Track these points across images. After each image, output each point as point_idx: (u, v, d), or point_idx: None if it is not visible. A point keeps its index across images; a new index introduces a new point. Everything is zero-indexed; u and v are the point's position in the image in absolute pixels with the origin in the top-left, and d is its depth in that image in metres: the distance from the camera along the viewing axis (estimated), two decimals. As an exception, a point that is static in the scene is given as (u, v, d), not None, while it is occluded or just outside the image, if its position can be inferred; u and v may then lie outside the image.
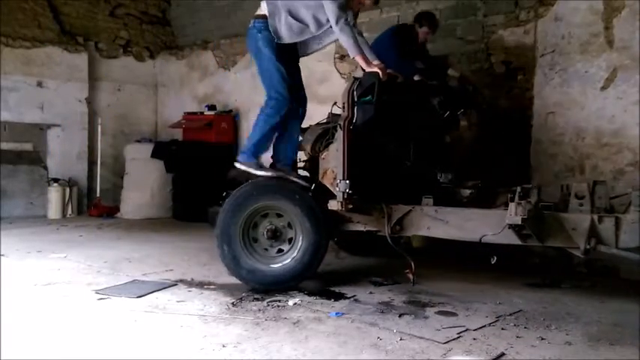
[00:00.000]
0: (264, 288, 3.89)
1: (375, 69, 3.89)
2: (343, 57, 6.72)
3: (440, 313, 3.44)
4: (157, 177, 7.96)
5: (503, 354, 2.75)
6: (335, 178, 3.83)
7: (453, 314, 3.41)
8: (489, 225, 3.55)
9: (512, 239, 3.49)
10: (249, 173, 4.09)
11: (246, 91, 8.04)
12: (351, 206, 3.80)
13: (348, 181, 3.74)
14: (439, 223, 3.76)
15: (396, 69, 4.36)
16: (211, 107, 8.10)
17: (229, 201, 4.03)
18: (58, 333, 2.99)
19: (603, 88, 4.76)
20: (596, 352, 2.83)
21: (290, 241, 3.99)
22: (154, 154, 7.96)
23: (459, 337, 2.98)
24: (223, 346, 2.79)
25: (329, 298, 3.72)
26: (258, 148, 4.15)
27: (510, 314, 3.43)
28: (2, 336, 2.86)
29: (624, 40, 4.64)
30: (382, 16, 6.26)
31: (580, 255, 3.39)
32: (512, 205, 3.31)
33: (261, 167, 4.12)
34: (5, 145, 7.76)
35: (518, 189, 3.39)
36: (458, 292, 3.94)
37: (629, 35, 4.61)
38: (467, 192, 4.02)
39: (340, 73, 6.78)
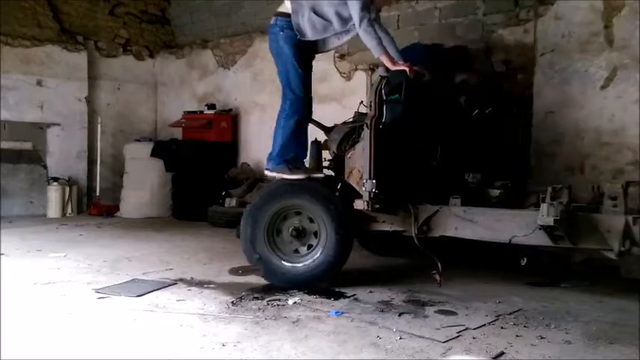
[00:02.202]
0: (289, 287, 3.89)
1: (402, 67, 3.85)
2: (343, 56, 6.72)
3: (439, 312, 3.44)
4: (157, 176, 7.96)
5: (502, 353, 2.75)
6: (361, 178, 3.78)
7: (453, 313, 3.41)
8: (519, 226, 3.49)
9: (543, 240, 3.43)
10: (282, 178, 4.04)
11: (246, 90, 8.05)
12: (377, 206, 3.75)
13: (374, 181, 3.68)
14: (467, 223, 3.70)
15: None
16: (211, 106, 8.11)
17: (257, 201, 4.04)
18: (57, 332, 2.99)
19: (603, 87, 4.76)
20: (596, 351, 2.84)
21: (314, 239, 3.96)
22: (154, 153, 7.96)
23: (458, 336, 2.98)
24: (223, 345, 2.79)
25: (329, 297, 3.72)
26: (285, 150, 4.08)
27: (510, 313, 3.43)
28: (2, 336, 2.86)
29: (624, 39, 4.64)
30: (382, 15, 6.22)
31: (614, 257, 3.32)
32: (544, 206, 3.26)
33: (293, 170, 4.05)
34: (5, 144, 7.76)
35: (550, 189, 3.33)
36: (457, 291, 3.94)
37: (629, 34, 4.61)
38: (496, 192, 3.93)
39: (340, 73, 6.78)
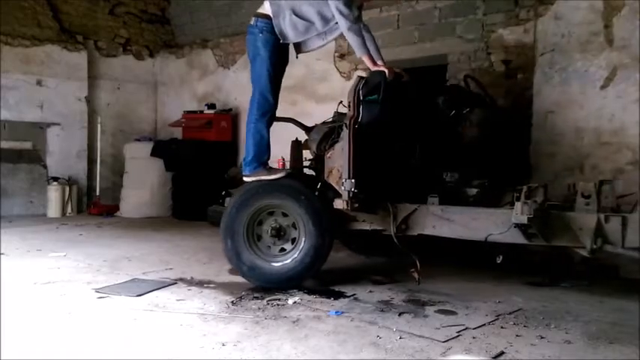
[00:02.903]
0: (267, 286, 3.91)
1: (382, 68, 3.87)
2: (343, 55, 6.72)
3: (439, 311, 3.44)
4: (157, 176, 7.97)
5: (502, 352, 2.75)
6: (340, 177, 3.81)
7: (453, 313, 3.42)
8: (495, 224, 3.55)
9: (518, 238, 3.49)
10: (260, 181, 4.04)
11: (245, 89, 8.01)
12: (356, 205, 3.78)
13: (353, 180, 3.71)
14: (445, 222, 3.76)
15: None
16: (211, 106, 8.11)
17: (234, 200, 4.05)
18: (57, 332, 2.99)
19: (603, 87, 4.76)
20: (596, 350, 2.84)
21: (293, 240, 3.98)
22: (154, 153, 7.96)
23: (458, 336, 2.98)
24: (223, 345, 2.79)
25: (329, 297, 3.72)
26: (259, 154, 4.11)
27: (510, 313, 3.43)
28: (2, 336, 2.86)
29: (624, 39, 4.64)
30: (382, 15, 6.25)
31: (586, 254, 3.39)
32: (518, 204, 3.31)
33: (270, 170, 4.08)
34: (5, 144, 7.77)
35: (525, 188, 3.39)
36: (457, 290, 3.94)
37: (629, 34, 4.61)
38: (473, 191, 3.99)
39: (340, 72, 6.78)
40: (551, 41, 5.03)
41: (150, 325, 3.13)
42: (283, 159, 4.77)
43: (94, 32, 8.73)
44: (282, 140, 4.55)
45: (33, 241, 5.74)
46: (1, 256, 4.91)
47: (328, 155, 4.02)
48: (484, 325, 3.19)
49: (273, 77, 4.03)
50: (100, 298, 3.66)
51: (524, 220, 3.29)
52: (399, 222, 3.88)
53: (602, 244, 3.31)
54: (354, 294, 3.81)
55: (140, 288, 3.88)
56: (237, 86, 8.19)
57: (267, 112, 4.07)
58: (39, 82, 8.07)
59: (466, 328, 3.10)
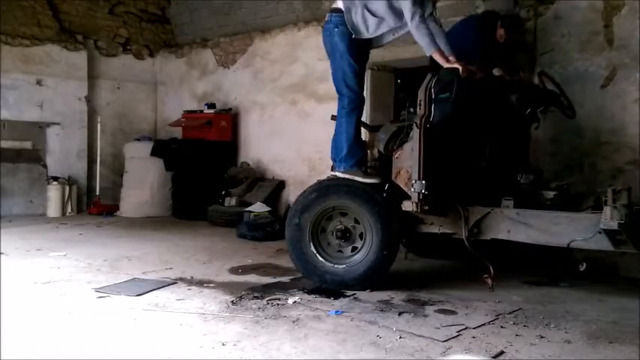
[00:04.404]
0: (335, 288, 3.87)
1: (455, 65, 3.75)
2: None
3: (439, 311, 3.44)
4: (157, 175, 7.96)
5: (502, 352, 2.76)
6: (409, 179, 3.69)
7: (453, 312, 3.42)
8: (578, 229, 3.39)
9: (604, 245, 3.32)
10: (347, 180, 3.98)
11: (245, 89, 8.05)
12: (426, 207, 3.67)
13: (424, 182, 3.60)
14: (521, 226, 3.61)
15: (477, 61, 4.16)
16: (211, 105, 8.10)
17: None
18: (57, 331, 2.99)
19: (603, 86, 4.76)
20: (596, 350, 2.84)
21: (360, 240, 3.91)
22: (154, 153, 7.96)
23: (458, 336, 2.98)
24: (223, 345, 2.79)
25: (328, 297, 3.72)
26: (354, 151, 4.03)
27: (510, 312, 3.43)
28: (2, 336, 2.86)
29: (624, 39, 4.64)
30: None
31: None
32: (607, 209, 3.16)
33: (366, 174, 3.99)
34: (5, 144, 7.75)
35: (610, 191, 3.23)
36: (457, 290, 3.94)
37: (628, 34, 4.61)
38: (550, 194, 3.80)
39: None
40: (551, 41, 5.03)
41: (150, 324, 3.13)
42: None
43: (93, 32, 8.71)
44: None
45: (33, 240, 5.73)
46: (1, 255, 4.91)
47: (396, 155, 3.88)
48: (484, 324, 3.19)
49: (358, 70, 4.00)
50: (100, 297, 3.66)
51: (614, 225, 3.12)
52: (471, 225, 3.73)
53: None
54: (354, 293, 3.81)
55: (140, 287, 3.88)
56: (237, 86, 8.19)
57: (358, 107, 4.03)
58: (39, 82, 8.06)
59: (466, 328, 3.10)
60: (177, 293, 3.79)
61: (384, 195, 3.85)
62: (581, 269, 3.49)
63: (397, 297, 3.75)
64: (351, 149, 4.02)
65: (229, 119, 8.10)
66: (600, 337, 3.00)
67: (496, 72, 4.54)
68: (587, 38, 4.83)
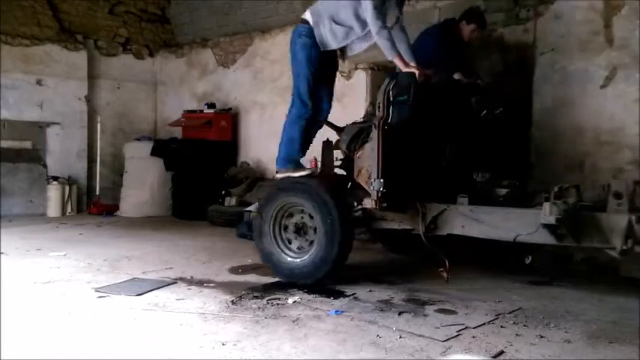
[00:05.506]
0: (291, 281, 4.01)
1: (412, 69, 3.92)
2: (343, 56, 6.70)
3: (439, 311, 3.44)
4: (157, 175, 7.97)
5: (502, 352, 2.75)
6: (369, 177, 3.83)
7: (453, 312, 3.41)
8: (524, 224, 3.53)
9: (547, 239, 3.47)
10: (289, 177, 4.16)
11: (245, 89, 8.05)
12: (385, 205, 3.81)
13: (382, 180, 3.74)
14: (474, 222, 3.75)
15: (437, 67, 4.36)
16: (211, 105, 8.11)
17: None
18: (57, 331, 2.99)
19: (603, 86, 4.77)
20: (595, 350, 2.84)
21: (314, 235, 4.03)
22: (154, 153, 7.96)
23: (458, 335, 2.98)
24: (223, 344, 2.79)
25: (328, 296, 3.72)
26: (289, 151, 4.20)
27: (510, 312, 3.43)
28: (2, 335, 2.86)
29: (624, 39, 4.64)
30: (382, 14, 6.24)
31: (616, 255, 3.35)
32: (546, 205, 3.31)
33: (298, 168, 4.15)
34: (5, 143, 7.76)
35: (555, 188, 3.39)
36: (457, 290, 3.94)
37: (628, 34, 4.61)
38: (503, 191, 3.97)
39: (340, 72, 6.74)
40: (551, 41, 5.03)
41: (150, 324, 3.13)
42: (316, 159, 4.83)
43: (93, 31, 8.72)
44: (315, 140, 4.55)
45: (33, 240, 5.73)
46: (1, 255, 4.91)
47: (358, 155, 4.06)
48: (484, 324, 3.18)
49: (311, 80, 4.12)
50: (100, 297, 3.66)
51: (552, 220, 3.28)
52: (428, 221, 3.88)
53: (632, 245, 3.26)
54: (354, 293, 3.81)
55: (140, 287, 3.88)
56: (237, 85, 8.19)
57: (304, 115, 4.17)
58: (39, 82, 8.06)
59: (466, 328, 3.10)
60: (177, 293, 3.78)
61: (331, 190, 3.98)
62: (527, 262, 3.69)
63: (397, 297, 3.75)
64: (288, 150, 4.19)
65: (229, 119, 8.10)
66: (600, 337, 3.00)
67: (456, 76, 4.77)
68: (587, 38, 4.83)
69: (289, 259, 4.10)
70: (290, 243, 4.15)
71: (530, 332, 3.06)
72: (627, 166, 4.60)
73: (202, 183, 7.57)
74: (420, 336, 2.95)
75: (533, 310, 3.49)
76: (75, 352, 2.71)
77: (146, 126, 9.39)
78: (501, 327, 3.15)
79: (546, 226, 3.36)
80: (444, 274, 3.76)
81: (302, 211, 4.09)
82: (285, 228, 4.16)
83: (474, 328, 3.11)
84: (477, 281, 4.22)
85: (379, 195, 3.77)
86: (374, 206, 3.84)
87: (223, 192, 7.43)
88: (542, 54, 5.10)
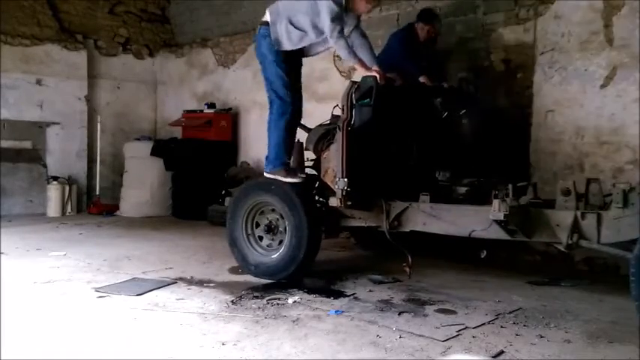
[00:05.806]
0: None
1: (374, 73, 4.02)
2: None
3: (439, 311, 3.44)
4: (157, 175, 7.96)
5: (502, 352, 2.76)
6: (335, 177, 3.97)
7: (453, 312, 3.42)
8: (479, 221, 3.69)
9: (500, 234, 3.64)
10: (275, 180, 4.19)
11: (245, 89, 8.04)
12: (349, 203, 3.98)
13: (346, 179, 3.90)
14: (434, 219, 3.92)
15: (402, 71, 4.53)
16: (211, 105, 8.10)
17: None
18: (57, 331, 2.99)
19: (603, 86, 4.76)
20: (595, 349, 2.84)
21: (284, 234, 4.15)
22: (154, 152, 7.96)
23: (458, 335, 2.98)
24: (223, 344, 2.79)
25: (328, 296, 3.72)
26: (278, 153, 4.21)
27: (510, 312, 3.43)
28: (2, 335, 2.86)
29: (624, 38, 4.63)
30: (382, 14, 6.25)
31: (563, 249, 3.54)
32: (495, 202, 3.48)
33: (289, 173, 4.15)
34: (4, 143, 7.75)
35: (510, 186, 3.56)
36: (457, 290, 3.94)
37: (628, 33, 4.61)
38: (463, 189, 4.14)
39: (340, 72, 6.77)
40: (551, 40, 5.03)
41: (150, 324, 3.13)
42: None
43: (93, 31, 8.71)
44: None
45: (33, 240, 5.74)
46: (1, 255, 4.91)
47: (324, 156, 4.22)
48: (484, 324, 3.19)
49: (285, 78, 4.17)
50: (100, 297, 3.66)
51: (500, 216, 3.44)
52: (392, 219, 4.05)
53: (578, 240, 3.44)
54: (354, 293, 3.81)
55: (140, 287, 3.88)
56: (237, 85, 8.18)
57: (285, 113, 4.20)
58: (39, 82, 8.05)
59: (466, 328, 3.11)
60: (177, 293, 3.79)
61: (302, 191, 4.09)
62: (482, 256, 3.86)
63: (397, 297, 3.75)
64: (277, 151, 4.21)
65: (229, 119, 8.10)
66: (600, 337, 3.00)
67: (421, 79, 4.94)
68: (587, 38, 4.83)
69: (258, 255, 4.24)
70: (261, 240, 4.29)
71: (530, 332, 3.07)
72: (627, 166, 4.60)
73: (202, 183, 7.57)
74: (420, 336, 2.96)
75: (533, 310, 3.50)
76: (75, 352, 2.71)
77: (146, 126, 9.38)
78: (501, 327, 3.15)
79: (496, 221, 3.51)
80: (407, 269, 3.91)
81: (273, 211, 4.21)
82: (257, 225, 4.29)
83: (473, 328, 3.11)
84: (477, 281, 4.22)
85: (344, 194, 3.93)
86: (339, 204, 4.00)
87: (223, 192, 7.42)
88: (542, 54, 5.09)
